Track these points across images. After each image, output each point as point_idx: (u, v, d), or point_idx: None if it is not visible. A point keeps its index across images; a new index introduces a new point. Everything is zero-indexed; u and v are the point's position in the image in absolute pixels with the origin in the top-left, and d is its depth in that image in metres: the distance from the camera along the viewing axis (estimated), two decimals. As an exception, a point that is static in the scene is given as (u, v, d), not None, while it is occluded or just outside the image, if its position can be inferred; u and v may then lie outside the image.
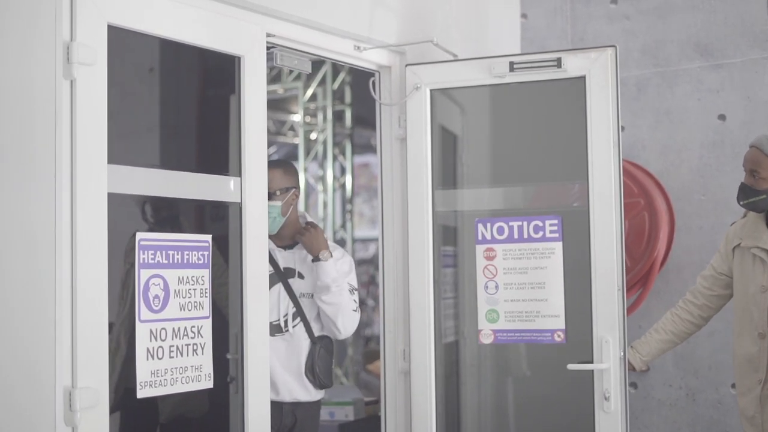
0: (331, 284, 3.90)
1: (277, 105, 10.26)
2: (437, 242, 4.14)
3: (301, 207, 9.02)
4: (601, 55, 3.87)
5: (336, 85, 8.74)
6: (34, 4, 2.83)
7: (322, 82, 8.75)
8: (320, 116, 8.94)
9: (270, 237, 3.87)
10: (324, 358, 3.99)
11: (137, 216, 3.14)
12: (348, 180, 9.08)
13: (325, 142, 8.86)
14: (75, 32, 2.86)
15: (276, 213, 3.90)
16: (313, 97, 8.94)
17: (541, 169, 4.16)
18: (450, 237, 4.25)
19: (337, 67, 8.52)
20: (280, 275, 3.98)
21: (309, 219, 4.12)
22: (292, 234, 4.05)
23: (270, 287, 3.80)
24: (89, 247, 2.86)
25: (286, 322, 3.94)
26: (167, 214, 3.24)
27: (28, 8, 2.83)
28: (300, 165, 8.95)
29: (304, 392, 3.96)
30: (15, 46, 2.82)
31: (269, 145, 13.10)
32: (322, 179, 9.03)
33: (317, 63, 8.44)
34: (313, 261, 3.95)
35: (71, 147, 2.84)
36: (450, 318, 4.20)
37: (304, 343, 3.97)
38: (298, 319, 3.95)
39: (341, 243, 9.21)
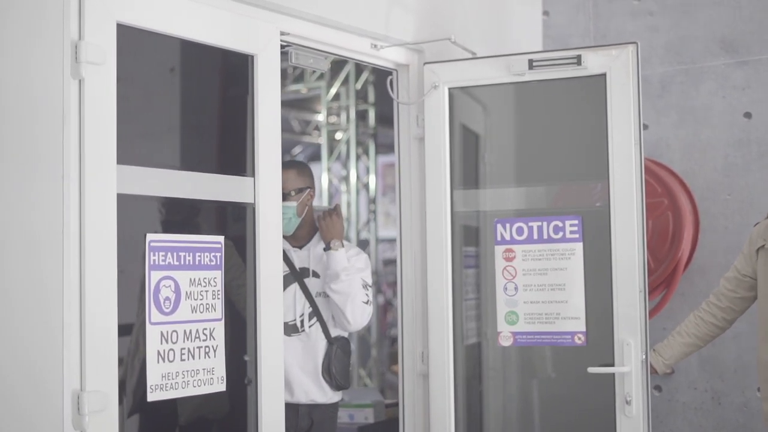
0: (341, 272, 3.88)
1: (302, 105, 10.25)
2: (458, 243, 4.08)
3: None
4: (621, 51, 3.80)
5: (359, 85, 8.70)
6: (41, 2, 2.80)
7: (345, 81, 8.71)
8: (343, 116, 8.90)
9: (285, 237, 3.85)
10: (341, 358, 3.95)
11: (148, 217, 3.10)
12: (372, 180, 9.03)
13: (348, 142, 8.81)
14: (83, 31, 2.82)
15: (291, 213, 3.90)
16: (336, 97, 8.90)
17: (562, 169, 4.09)
18: (472, 237, 4.18)
19: (360, 67, 8.48)
20: (296, 275, 3.96)
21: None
22: (308, 234, 4.04)
23: (285, 287, 3.80)
24: (98, 249, 2.82)
25: (302, 322, 3.92)
26: (178, 215, 3.20)
27: (35, 6, 2.79)
28: (323, 165, 8.91)
29: (321, 394, 3.93)
30: (22, 45, 2.79)
31: (294, 144, 13.17)
32: (346, 179, 8.99)
33: (340, 62, 8.44)
34: (324, 250, 3.94)
35: (79, 147, 2.80)
36: (472, 319, 4.13)
37: (321, 344, 3.95)
38: (315, 319, 3.93)
39: (365, 243, 9.17)
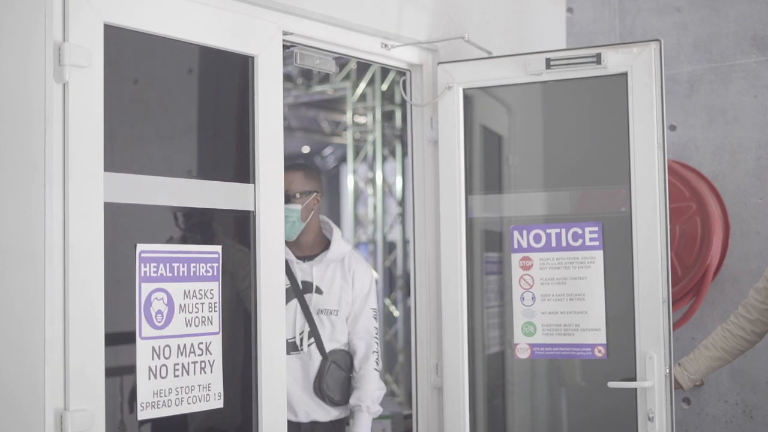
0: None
1: (332, 105, 10.13)
2: (475, 249, 3.92)
3: (349, 209, 8.90)
4: (644, 50, 3.61)
5: (385, 86, 8.53)
6: (22, 1, 2.67)
7: (371, 81, 8.55)
8: (370, 117, 8.75)
9: (289, 246, 3.69)
10: (334, 373, 3.75)
11: (138, 227, 2.96)
12: (398, 182, 8.86)
13: (374, 143, 8.65)
14: (68, 32, 2.69)
15: (295, 217, 3.72)
16: (363, 97, 8.75)
17: (582, 173, 3.91)
18: (495, 243, 4.01)
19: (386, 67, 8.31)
20: (297, 291, 3.76)
21: (332, 225, 3.91)
22: (313, 243, 3.85)
23: (287, 302, 3.60)
24: (83, 261, 2.69)
25: (302, 340, 3.74)
26: (171, 225, 3.06)
27: (16, 6, 2.67)
28: (349, 167, 8.76)
29: (322, 412, 3.75)
30: (2, 47, 2.66)
31: (325, 146, 13.05)
32: (372, 181, 8.83)
33: (366, 63, 8.27)
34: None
35: (63, 154, 2.68)
36: (495, 327, 3.97)
37: (318, 362, 3.77)
38: (313, 338, 3.75)
39: (391, 247, 9.01)
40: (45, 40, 2.65)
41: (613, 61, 3.65)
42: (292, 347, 3.71)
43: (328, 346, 3.74)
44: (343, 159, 11.05)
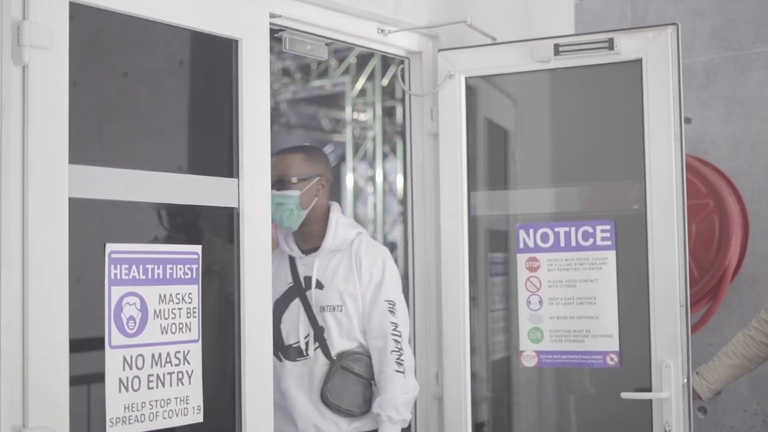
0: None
1: (331, 102, 9.89)
2: (478, 250, 3.68)
3: (349, 209, 8.64)
4: (659, 34, 3.35)
5: (386, 80, 8.28)
6: (-24, -24, 2.42)
7: (371, 76, 8.30)
8: (370, 113, 8.50)
9: (295, 241, 3.41)
10: (342, 378, 3.30)
11: (108, 225, 2.71)
12: (399, 180, 8.61)
13: (374, 140, 8.40)
14: (28, 10, 2.43)
15: (293, 204, 3.32)
16: (362, 93, 8.50)
17: (593, 168, 3.66)
18: (500, 242, 3.76)
19: (386, 60, 8.06)
20: (298, 289, 3.38)
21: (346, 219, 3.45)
22: (320, 233, 3.39)
23: (289, 303, 3.36)
24: (46, 261, 2.43)
25: (307, 344, 3.34)
26: (146, 222, 2.80)
27: (-32, -19, 2.41)
28: (348, 164, 8.51)
29: (334, 426, 3.31)
30: (-46, 26, 2.41)
31: (325, 143, 12.81)
32: (372, 179, 8.58)
33: (366, 56, 8.05)
34: None
35: (23, 144, 2.41)
36: (499, 332, 3.72)
37: (325, 366, 3.34)
38: (318, 342, 3.34)
39: (392, 247, 8.75)
40: (2, 18, 2.40)
41: (627, 46, 3.40)
42: (297, 353, 3.34)
43: (337, 348, 3.31)
44: (343, 157, 10.81)
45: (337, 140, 11.25)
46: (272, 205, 3.18)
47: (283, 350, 3.35)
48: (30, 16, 2.43)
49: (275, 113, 9.37)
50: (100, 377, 2.61)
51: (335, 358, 3.30)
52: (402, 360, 3.27)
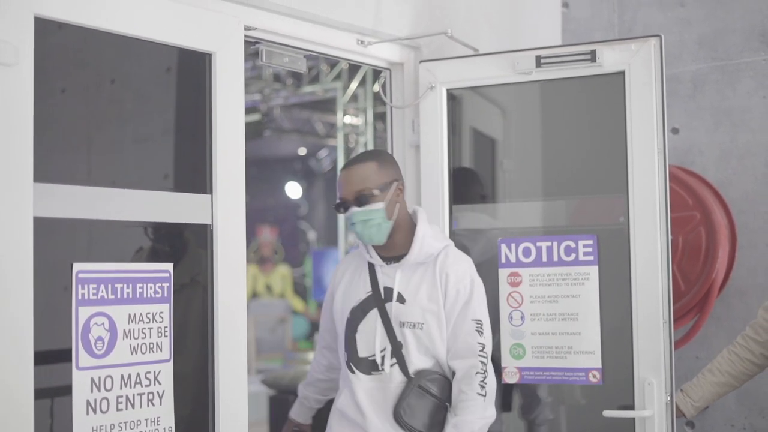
0: None
1: (325, 106, 9.84)
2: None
3: (341, 218, 8.56)
4: (642, 46, 3.30)
5: (377, 86, 8.23)
6: (-64, -8, 2.37)
7: (363, 82, 8.24)
8: (361, 118, 8.45)
9: (375, 247, 3.17)
10: (418, 398, 3.06)
11: (74, 244, 2.66)
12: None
13: (365, 146, 8.34)
14: (-9, 26, 2.39)
15: (380, 217, 3.07)
16: (354, 98, 8.45)
17: (575, 181, 3.60)
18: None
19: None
20: (377, 299, 3.14)
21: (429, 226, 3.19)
22: (404, 241, 3.15)
23: (367, 312, 3.13)
24: (9, 282, 2.38)
25: (383, 359, 3.11)
26: (114, 241, 2.75)
27: (-71, -3, 2.36)
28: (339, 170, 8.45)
29: None
30: None
31: (319, 148, 12.68)
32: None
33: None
34: None
35: (-14, 163, 2.37)
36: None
37: (400, 385, 3.09)
38: (395, 358, 3.10)
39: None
40: (-37, 35, 2.35)
41: (609, 58, 3.35)
42: (372, 366, 3.11)
43: (415, 366, 3.09)
44: (334, 161, 10.76)
45: (332, 144, 11.20)
46: (357, 224, 3.07)
47: (356, 362, 3.13)
48: (-7, 33, 2.38)
49: (268, 118, 9.32)
50: (67, 403, 2.56)
51: (412, 376, 3.08)
52: (485, 383, 3.04)
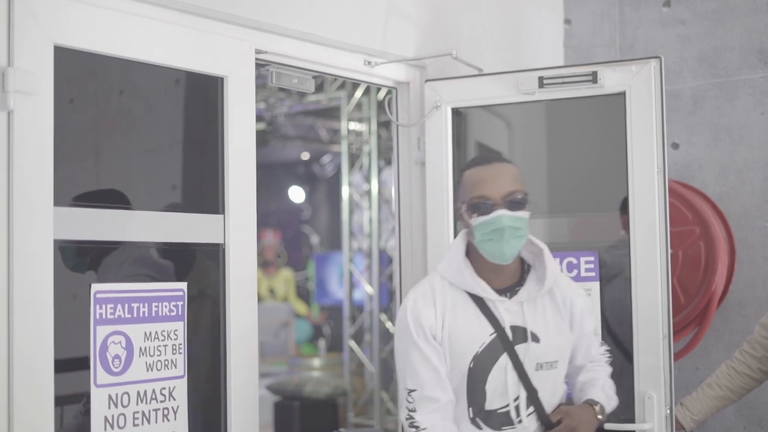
0: None
1: (329, 113, 9.91)
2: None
3: (345, 220, 8.66)
4: (643, 67, 3.38)
5: (381, 94, 8.31)
6: (-39, 23, 2.45)
7: (367, 91, 8.32)
8: (366, 126, 8.52)
9: (482, 277, 2.70)
10: None
11: (92, 266, 2.74)
12: (395, 193, 8.63)
13: (370, 154, 8.42)
14: (13, 56, 2.47)
15: (526, 229, 2.65)
16: (358, 107, 8.53)
17: (577, 199, 3.68)
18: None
19: (382, 75, 8.09)
20: (505, 342, 2.65)
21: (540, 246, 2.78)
22: (515, 269, 2.74)
23: (497, 359, 2.65)
24: (31, 304, 2.47)
25: (517, 408, 2.68)
26: (130, 262, 2.83)
27: (-46, 29, 2.45)
28: (344, 178, 8.52)
29: None
30: (-61, 73, 2.45)
31: (323, 153, 12.74)
32: (368, 193, 8.59)
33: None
34: None
35: (8, 188, 2.45)
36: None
37: None
38: (533, 406, 2.70)
39: (388, 262, 8.78)
40: (-14, 65, 2.44)
41: (610, 79, 3.43)
42: (504, 420, 2.67)
43: (549, 410, 2.74)
44: (340, 169, 10.84)
45: (335, 150, 11.28)
46: (504, 230, 2.61)
47: (482, 416, 2.68)
48: (15, 62, 2.47)
49: (272, 127, 9.40)
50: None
51: (555, 425, 2.70)
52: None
